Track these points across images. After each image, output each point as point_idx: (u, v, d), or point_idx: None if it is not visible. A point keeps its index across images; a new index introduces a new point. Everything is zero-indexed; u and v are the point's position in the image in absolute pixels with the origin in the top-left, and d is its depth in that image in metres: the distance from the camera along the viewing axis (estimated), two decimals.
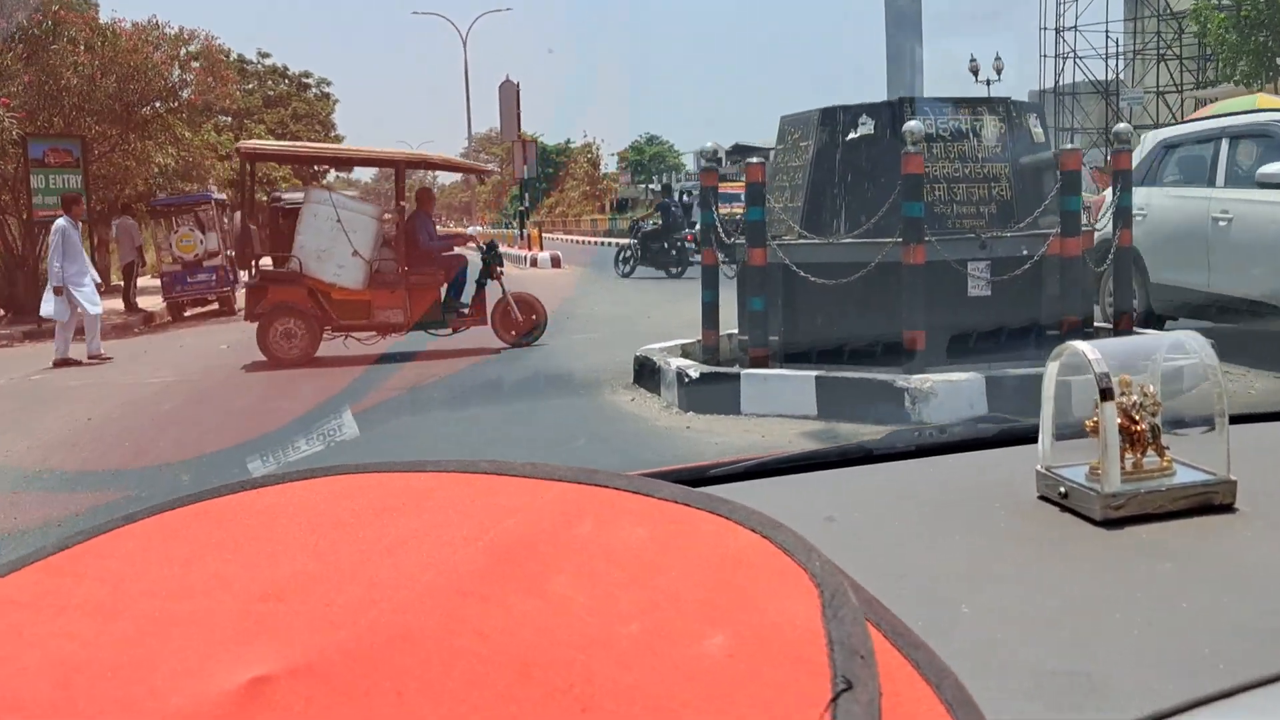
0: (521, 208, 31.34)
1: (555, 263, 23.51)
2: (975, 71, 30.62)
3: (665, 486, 0.48)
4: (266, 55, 43.53)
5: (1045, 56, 30.32)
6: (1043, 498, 0.88)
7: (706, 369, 6.19)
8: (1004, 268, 5.85)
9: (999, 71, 30.39)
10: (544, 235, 39.89)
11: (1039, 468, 0.88)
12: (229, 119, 36.72)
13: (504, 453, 4.71)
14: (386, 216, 10.36)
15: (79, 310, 10.27)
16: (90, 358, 10.23)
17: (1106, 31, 29.66)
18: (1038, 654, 0.65)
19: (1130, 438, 0.83)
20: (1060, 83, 29.86)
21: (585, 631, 0.38)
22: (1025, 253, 5.86)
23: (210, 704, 0.34)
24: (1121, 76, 29.53)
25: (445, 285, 9.75)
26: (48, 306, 10.35)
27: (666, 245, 18.35)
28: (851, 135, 6.22)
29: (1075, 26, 29.81)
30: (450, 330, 9.57)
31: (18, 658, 0.38)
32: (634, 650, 0.37)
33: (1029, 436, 0.97)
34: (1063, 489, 0.85)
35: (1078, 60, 29.72)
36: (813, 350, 6.04)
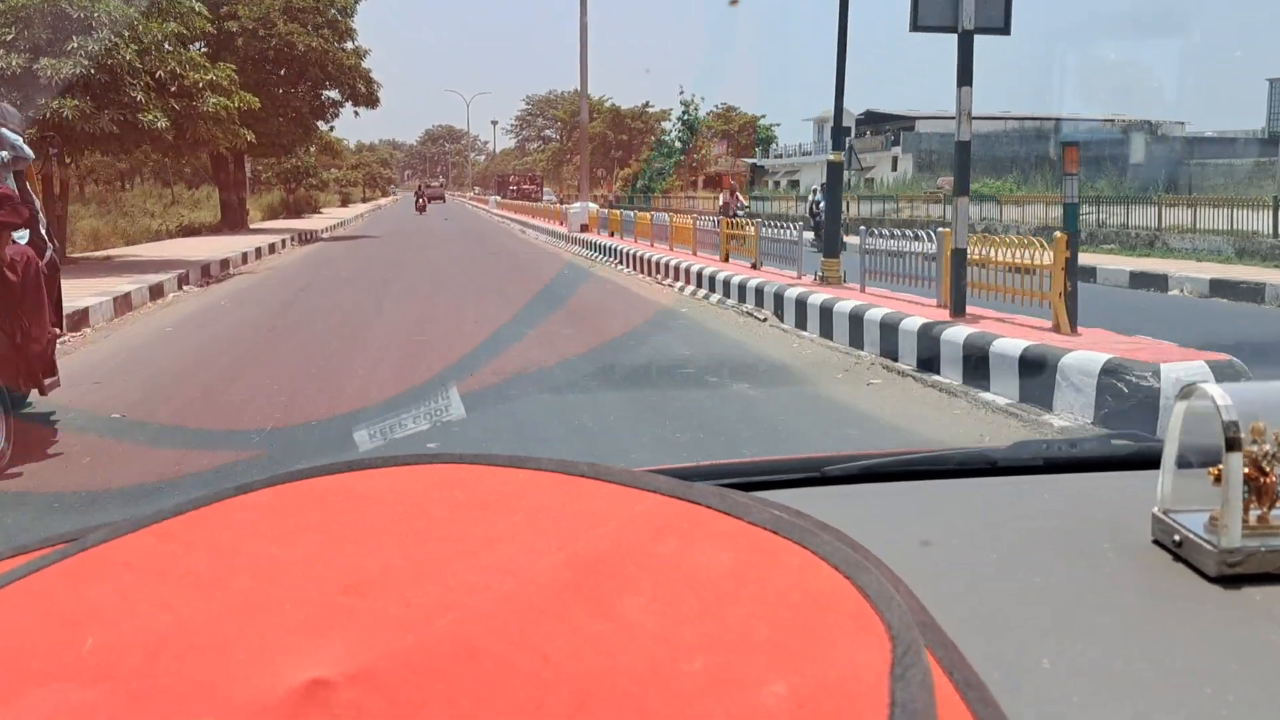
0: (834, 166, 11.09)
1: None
2: None
3: (758, 509, 0.47)
4: None
5: None
6: (1157, 542, 0.82)
7: None
8: None
9: None
10: (617, 214, 22.82)
11: (1156, 510, 0.83)
12: None
13: None
14: None
15: None
16: None
17: None
18: None
19: (1258, 490, 0.77)
20: None
21: (649, 664, 0.38)
22: None
23: (270, 700, 0.36)
24: None
25: None
26: None
27: None
28: None
29: None
30: None
31: (118, 625, 0.41)
32: (693, 690, 0.37)
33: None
34: (1177, 537, 0.80)
35: None
36: None
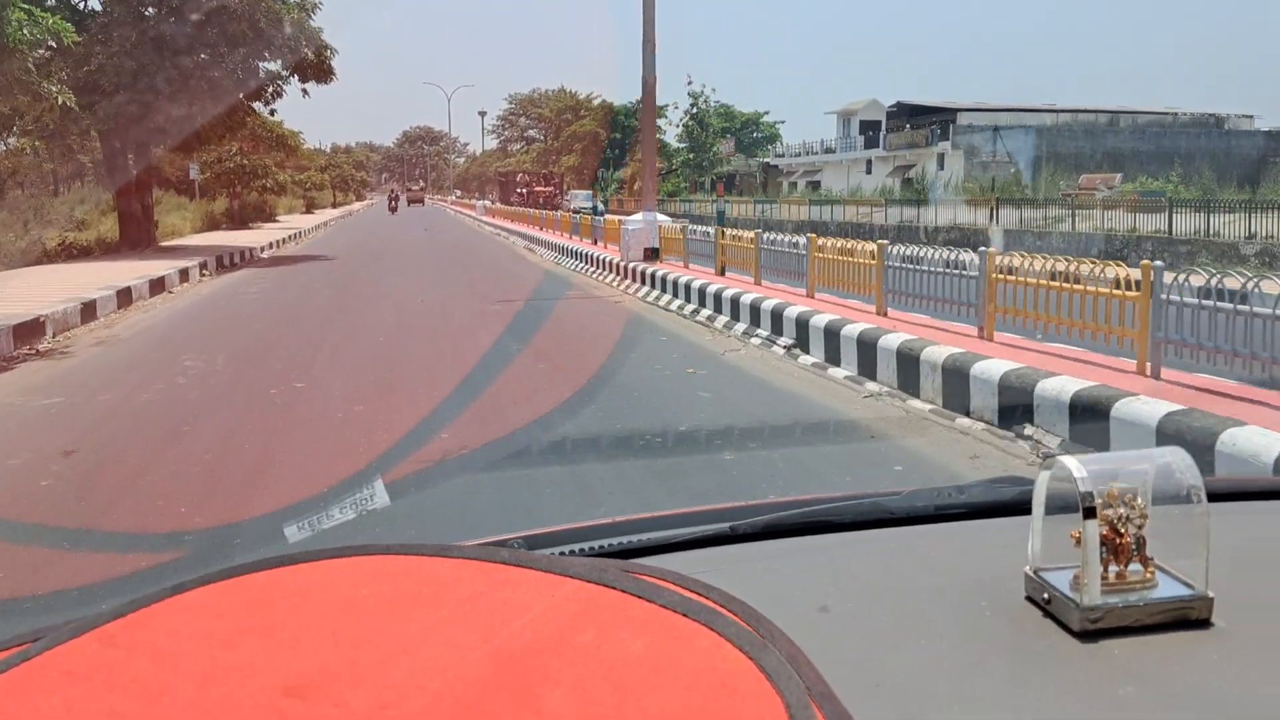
0: None
1: None
2: None
3: (667, 592, 0.52)
4: None
5: None
6: (1030, 598, 0.89)
7: None
8: None
9: None
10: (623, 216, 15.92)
11: (1027, 569, 0.89)
12: None
13: None
14: None
15: None
16: None
17: None
18: None
19: (1115, 549, 0.85)
20: None
21: None
22: None
23: None
24: None
25: None
26: None
27: None
28: None
29: None
30: None
31: None
32: None
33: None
34: (1046, 595, 0.86)
35: None
36: None
